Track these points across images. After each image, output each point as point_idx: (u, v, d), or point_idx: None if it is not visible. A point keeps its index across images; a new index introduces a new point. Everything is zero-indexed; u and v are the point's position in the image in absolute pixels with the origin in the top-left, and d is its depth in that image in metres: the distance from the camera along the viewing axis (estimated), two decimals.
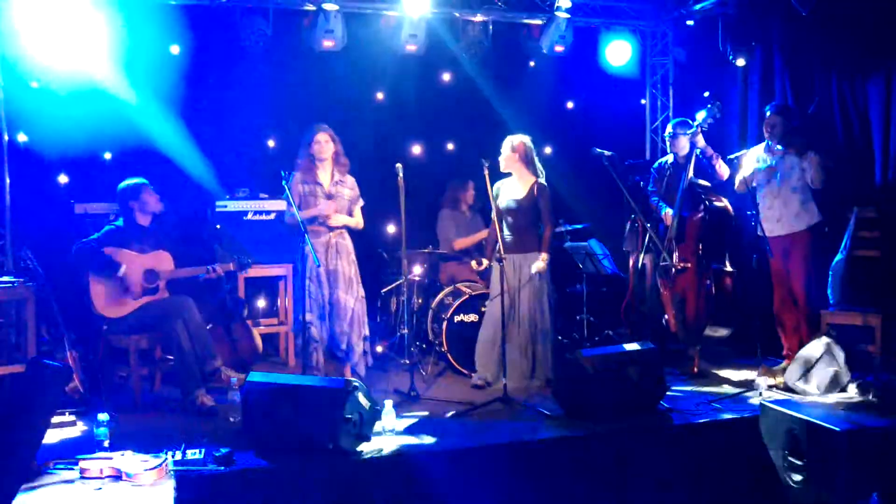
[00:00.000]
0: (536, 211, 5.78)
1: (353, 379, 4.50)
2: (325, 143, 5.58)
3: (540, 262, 5.69)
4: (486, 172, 5.53)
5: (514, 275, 5.70)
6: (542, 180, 5.81)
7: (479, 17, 7.16)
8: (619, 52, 7.67)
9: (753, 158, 6.08)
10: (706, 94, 6.17)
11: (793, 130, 5.92)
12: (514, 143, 5.79)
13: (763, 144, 6.08)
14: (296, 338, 5.61)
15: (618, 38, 7.68)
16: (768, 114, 6.00)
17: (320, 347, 5.58)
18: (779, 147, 5.92)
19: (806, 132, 6.02)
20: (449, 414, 5.04)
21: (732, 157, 6.14)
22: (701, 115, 6.05)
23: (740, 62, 7.03)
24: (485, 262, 5.95)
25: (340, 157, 5.69)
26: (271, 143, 7.30)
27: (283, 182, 5.46)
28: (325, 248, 5.58)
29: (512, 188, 5.82)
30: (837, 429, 4.09)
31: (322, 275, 5.56)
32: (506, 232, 5.80)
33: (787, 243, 5.92)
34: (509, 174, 5.86)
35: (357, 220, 5.77)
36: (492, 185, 5.73)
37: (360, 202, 5.79)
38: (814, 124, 6.35)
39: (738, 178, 6.09)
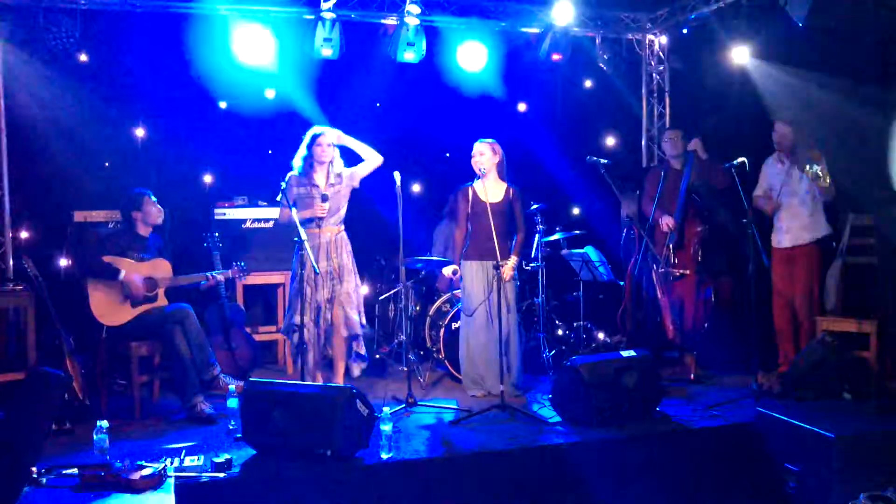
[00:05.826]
0: (512, 215, 5.75)
1: (351, 385, 4.52)
2: (326, 147, 5.59)
3: (509, 268, 5.60)
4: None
5: (493, 280, 5.54)
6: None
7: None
8: (615, 61, 7.72)
9: (766, 173, 6.09)
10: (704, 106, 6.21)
11: (801, 142, 5.82)
12: (494, 147, 5.72)
13: (774, 155, 6.08)
14: (290, 339, 5.63)
15: (614, 47, 7.73)
16: (776, 125, 5.97)
17: (312, 351, 5.55)
18: (786, 159, 5.90)
19: (813, 144, 5.91)
20: (447, 421, 5.07)
21: (729, 165, 6.16)
22: (698, 141, 6.09)
23: (741, 59, 6.99)
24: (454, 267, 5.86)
25: (337, 161, 5.69)
26: (269, 151, 7.32)
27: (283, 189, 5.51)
28: (325, 247, 5.54)
29: (490, 192, 5.68)
30: (831, 435, 4.13)
31: (322, 275, 5.51)
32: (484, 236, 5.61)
33: (793, 254, 5.94)
34: (474, 178, 5.74)
35: (368, 165, 5.69)
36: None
37: (359, 168, 5.70)
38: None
39: (755, 195, 6.09)
